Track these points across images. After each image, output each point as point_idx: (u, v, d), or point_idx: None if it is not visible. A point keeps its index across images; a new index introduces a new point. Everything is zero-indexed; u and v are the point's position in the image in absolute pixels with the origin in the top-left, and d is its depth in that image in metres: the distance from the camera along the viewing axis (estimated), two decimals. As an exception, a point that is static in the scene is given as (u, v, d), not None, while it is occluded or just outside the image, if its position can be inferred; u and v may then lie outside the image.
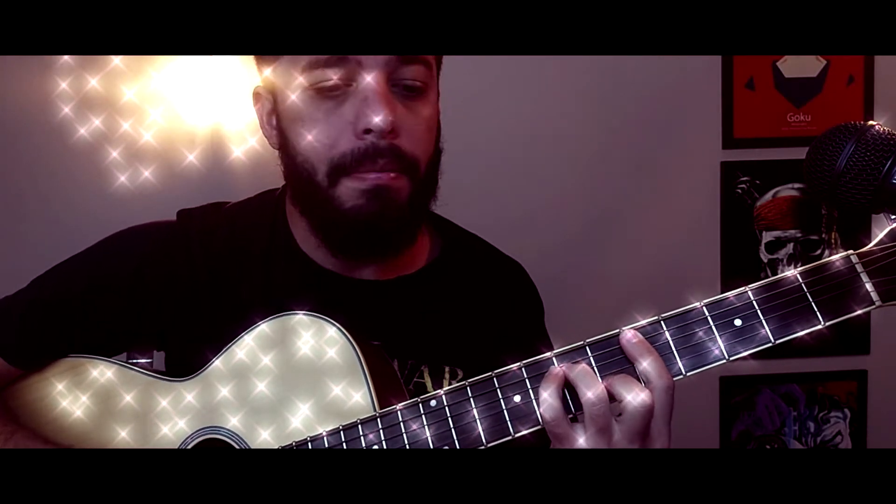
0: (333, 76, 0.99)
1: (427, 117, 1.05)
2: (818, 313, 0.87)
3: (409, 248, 1.12)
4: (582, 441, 0.88)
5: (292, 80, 1.01)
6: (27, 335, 1.10)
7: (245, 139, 1.92)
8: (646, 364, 0.87)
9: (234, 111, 1.99)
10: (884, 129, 0.88)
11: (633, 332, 0.89)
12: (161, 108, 2.01)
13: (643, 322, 0.90)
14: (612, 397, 0.88)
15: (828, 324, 0.87)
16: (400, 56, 1.00)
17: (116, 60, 1.93)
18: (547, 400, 0.88)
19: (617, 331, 0.90)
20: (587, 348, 0.90)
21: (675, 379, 0.88)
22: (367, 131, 0.99)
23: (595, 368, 0.89)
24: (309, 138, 1.01)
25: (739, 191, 2.27)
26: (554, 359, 0.91)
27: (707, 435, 2.28)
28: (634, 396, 0.86)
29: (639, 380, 0.88)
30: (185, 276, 1.10)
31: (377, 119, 0.98)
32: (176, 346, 1.13)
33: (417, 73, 1.02)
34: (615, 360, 0.90)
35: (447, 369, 1.11)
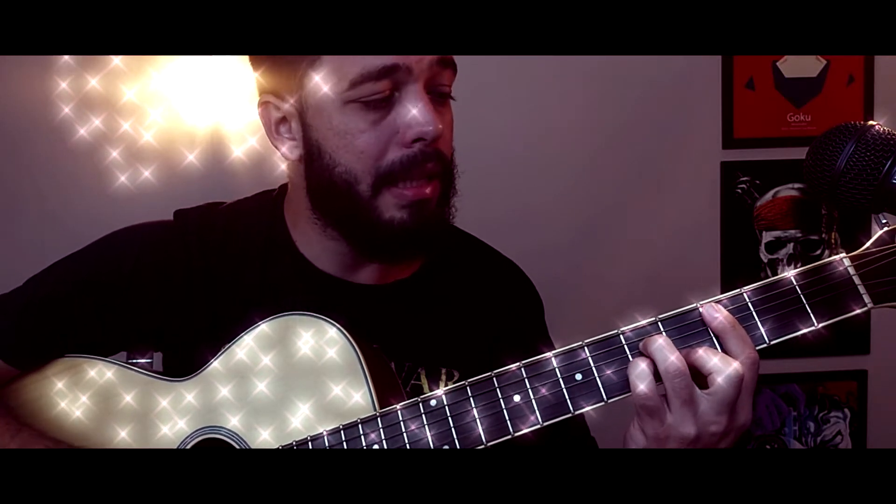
0: (383, 88, 0.99)
1: (450, 120, 1.08)
2: (812, 315, 0.88)
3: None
4: (669, 417, 0.88)
5: (326, 92, 1.01)
6: (23, 334, 1.10)
7: (245, 139, 1.91)
8: (731, 337, 0.87)
9: (234, 111, 1.99)
10: (884, 129, 0.88)
11: (715, 304, 0.89)
12: (161, 108, 2.01)
13: (642, 322, 0.90)
14: (694, 369, 0.87)
15: (821, 325, 0.88)
16: (438, 60, 1.01)
17: (116, 60, 1.93)
18: (644, 371, 0.87)
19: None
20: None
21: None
22: (416, 140, 1.01)
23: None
24: (353, 150, 1.01)
25: (739, 191, 2.27)
26: (553, 358, 0.91)
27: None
28: (725, 366, 0.86)
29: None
30: (181, 275, 1.10)
31: (429, 128, 1.00)
32: (172, 345, 1.12)
33: (449, 79, 1.05)
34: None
35: (444, 371, 1.12)
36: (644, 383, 0.87)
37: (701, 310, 0.89)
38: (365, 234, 1.05)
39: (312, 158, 1.05)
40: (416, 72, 1.00)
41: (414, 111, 1.00)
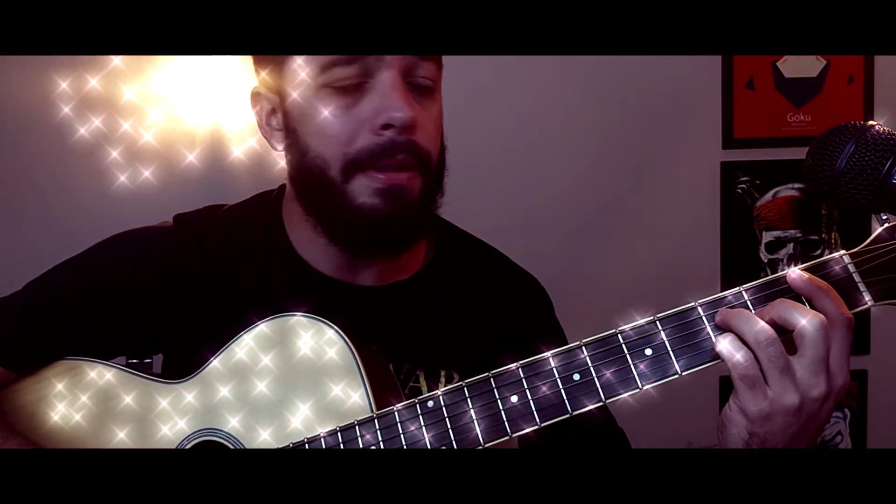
0: (353, 73, 1.00)
1: (436, 115, 1.07)
2: None
3: (415, 246, 1.12)
4: (769, 390, 0.84)
5: (303, 79, 1.02)
6: (22, 338, 1.09)
7: (245, 139, 1.92)
8: (823, 301, 0.84)
9: (234, 111, 1.99)
10: (884, 129, 0.88)
11: (800, 271, 0.86)
12: (161, 108, 2.02)
13: (640, 322, 0.90)
14: (778, 331, 0.84)
15: None
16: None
17: (116, 60, 1.93)
18: (735, 342, 0.85)
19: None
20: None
21: (671, 379, 0.88)
22: (387, 127, 1.00)
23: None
24: (323, 134, 1.02)
25: (739, 191, 2.27)
26: (551, 358, 0.90)
27: (707, 435, 2.28)
28: (809, 320, 0.82)
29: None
30: (181, 279, 1.10)
31: (399, 114, 0.99)
32: (172, 349, 1.12)
33: (430, 72, 1.03)
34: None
35: (443, 373, 1.11)
36: (740, 353, 0.84)
37: (792, 275, 0.86)
38: (336, 219, 1.05)
39: (290, 146, 1.07)
40: (388, 59, 0.99)
41: (384, 97, 0.99)
